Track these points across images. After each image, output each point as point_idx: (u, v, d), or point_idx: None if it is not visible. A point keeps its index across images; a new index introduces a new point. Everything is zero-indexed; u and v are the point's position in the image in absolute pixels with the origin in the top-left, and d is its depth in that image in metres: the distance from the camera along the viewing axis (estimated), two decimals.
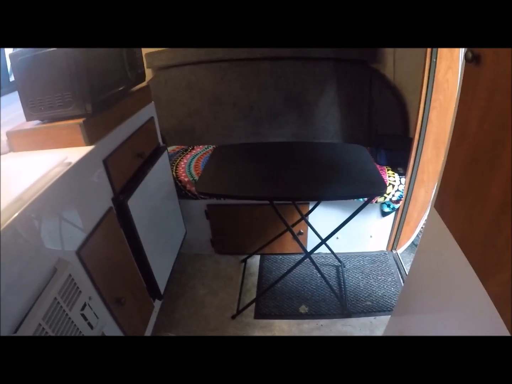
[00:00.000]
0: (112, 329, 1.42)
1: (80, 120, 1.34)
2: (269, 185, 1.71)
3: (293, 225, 2.41)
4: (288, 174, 1.78)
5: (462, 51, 1.76)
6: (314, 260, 2.04)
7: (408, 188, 2.28)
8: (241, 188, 1.72)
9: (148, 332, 1.77)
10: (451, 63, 1.88)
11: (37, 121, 1.41)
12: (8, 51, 1.77)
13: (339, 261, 2.54)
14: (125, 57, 1.67)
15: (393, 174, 2.32)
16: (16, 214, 0.91)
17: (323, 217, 2.43)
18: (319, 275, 2.35)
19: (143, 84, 1.92)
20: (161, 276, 1.91)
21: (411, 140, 2.19)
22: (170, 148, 2.74)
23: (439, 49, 1.88)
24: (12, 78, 1.77)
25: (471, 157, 0.91)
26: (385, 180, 2.22)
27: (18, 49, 1.92)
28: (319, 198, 2.07)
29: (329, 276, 2.43)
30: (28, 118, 1.39)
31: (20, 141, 1.37)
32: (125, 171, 1.63)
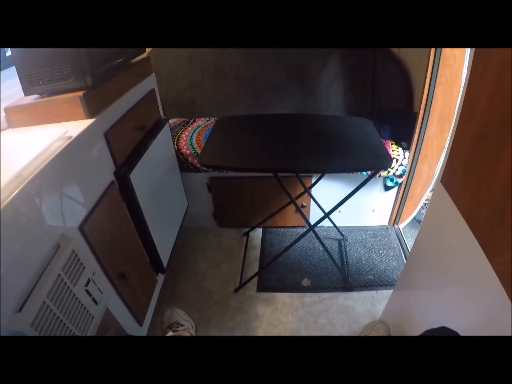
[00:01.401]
0: (116, 304, 1.43)
1: (80, 93, 1.31)
2: (273, 157, 1.69)
3: (296, 198, 2.40)
4: (292, 146, 1.76)
5: None
6: (317, 233, 2.04)
7: (412, 163, 2.27)
8: (244, 160, 1.70)
9: (151, 306, 1.78)
10: None
11: (36, 96, 1.38)
12: None
13: (342, 234, 2.54)
14: None
15: (397, 148, 2.30)
16: (16, 191, 0.90)
17: (326, 191, 2.42)
18: (321, 248, 2.36)
19: (144, 55, 1.88)
20: (164, 250, 1.91)
21: (415, 115, 2.16)
22: (171, 121, 2.71)
23: None
24: (8, 53, 1.72)
25: (480, 134, 0.89)
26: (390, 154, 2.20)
27: None
28: (323, 170, 2.06)
29: (332, 249, 2.44)
30: (27, 92, 1.36)
31: (18, 117, 1.34)
32: (126, 144, 1.61)
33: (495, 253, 0.81)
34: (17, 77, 1.32)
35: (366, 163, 1.66)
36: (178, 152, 2.33)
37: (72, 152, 1.18)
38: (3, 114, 1.33)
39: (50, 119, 1.35)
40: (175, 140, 2.41)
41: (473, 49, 0.95)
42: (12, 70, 1.35)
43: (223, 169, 2.27)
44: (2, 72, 1.64)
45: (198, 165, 2.32)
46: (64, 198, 1.14)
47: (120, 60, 1.61)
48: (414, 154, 2.23)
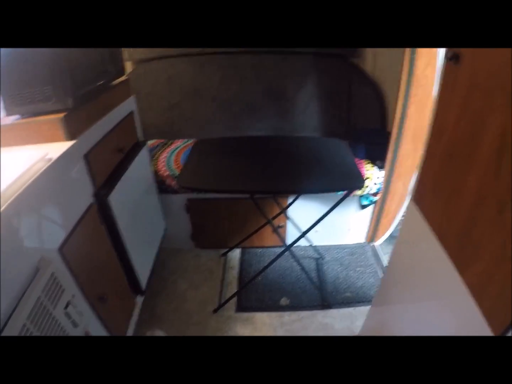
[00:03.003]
0: (96, 327, 1.42)
1: (61, 115, 1.33)
2: (250, 179, 1.72)
3: (273, 218, 2.43)
4: (268, 168, 1.80)
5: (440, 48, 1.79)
6: (294, 253, 2.06)
7: (386, 181, 2.32)
8: (222, 182, 1.73)
9: (131, 328, 1.77)
10: (430, 59, 1.91)
11: (17, 116, 1.39)
12: None
13: (319, 253, 2.57)
14: (105, 51, 1.66)
15: (372, 167, 2.35)
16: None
17: (302, 210, 2.46)
18: (299, 267, 2.38)
19: (123, 78, 1.91)
20: (143, 271, 1.91)
21: (389, 134, 2.22)
22: (149, 142, 2.72)
23: None
24: None
25: (448, 152, 0.94)
26: (363, 174, 2.25)
27: None
28: (298, 191, 2.10)
29: (309, 268, 2.46)
30: (8, 112, 1.37)
31: None
32: (105, 166, 1.63)
33: (465, 266, 0.85)
34: None
35: (340, 184, 1.71)
36: (156, 173, 2.34)
37: (51, 175, 1.18)
38: None
39: (31, 140, 1.35)
40: (153, 162, 2.42)
41: (442, 71, 1.00)
42: None
43: (201, 191, 2.28)
44: None
45: (176, 187, 2.33)
46: (44, 221, 1.14)
47: (101, 82, 1.63)
48: (388, 173, 2.29)
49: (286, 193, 2.33)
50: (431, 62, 1.91)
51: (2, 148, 1.33)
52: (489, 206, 0.76)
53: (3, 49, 1.27)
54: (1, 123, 1.36)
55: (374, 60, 2.73)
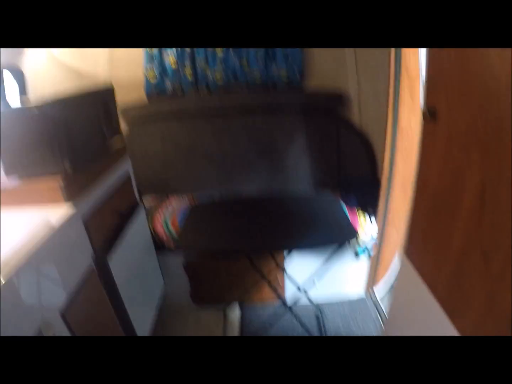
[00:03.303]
0: None
1: (60, 179, 1.38)
2: (245, 239, 1.79)
3: (270, 272, 2.44)
4: (262, 227, 1.88)
5: (422, 98, 1.86)
6: (294, 312, 2.06)
7: (380, 230, 2.35)
8: (218, 242, 1.79)
9: None
10: (413, 109, 1.99)
11: (16, 177, 1.44)
12: None
13: (319, 310, 2.55)
14: (101, 117, 1.73)
15: (364, 216, 2.39)
16: (2, 281, 0.93)
17: (298, 263, 2.46)
18: (301, 327, 2.36)
19: (120, 142, 1.97)
20: (142, 331, 1.89)
21: (380, 183, 2.27)
22: (145, 199, 2.75)
23: (401, 97, 1.99)
24: None
25: (433, 207, 0.98)
26: (356, 224, 2.29)
27: None
28: (292, 247, 2.13)
29: (310, 325, 2.42)
30: (7, 173, 1.41)
31: None
32: (104, 229, 1.66)
33: (456, 315, 0.87)
34: None
35: (332, 238, 1.77)
36: (154, 233, 2.36)
37: (53, 241, 1.21)
38: None
39: (30, 202, 1.39)
40: (150, 221, 2.45)
41: (421, 127, 1.06)
42: None
43: (198, 251, 2.30)
44: None
45: (174, 247, 2.36)
46: (44, 285, 1.16)
47: (98, 146, 1.69)
48: (381, 220, 2.32)
49: (280, 249, 2.35)
50: (414, 111, 1.99)
51: (2, 209, 1.37)
52: (475, 257, 0.79)
53: (3, 112, 1.33)
54: (1, 183, 1.40)
55: (360, 111, 2.84)
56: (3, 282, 0.93)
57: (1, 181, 1.42)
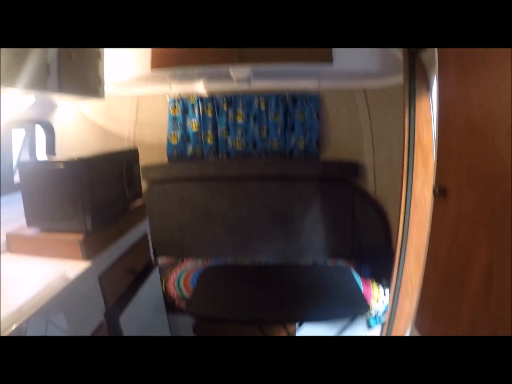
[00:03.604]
0: None
1: (80, 236, 1.42)
2: (256, 309, 1.79)
3: None
4: (275, 298, 1.89)
5: (435, 168, 1.90)
6: None
7: (393, 301, 2.31)
8: (229, 311, 1.80)
9: None
10: (426, 179, 2.02)
11: (37, 229, 1.49)
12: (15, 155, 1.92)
13: None
14: (124, 175, 1.78)
15: (378, 287, 2.36)
16: (14, 327, 0.96)
17: (310, 332, 2.42)
18: None
19: (140, 202, 2.02)
20: None
21: (394, 252, 2.26)
22: (160, 260, 2.77)
23: (415, 167, 2.03)
24: (16, 179, 1.86)
25: (443, 281, 1.00)
26: (369, 296, 2.26)
27: (26, 158, 2.05)
28: (304, 320, 2.11)
29: None
30: (29, 224, 1.47)
31: (19, 245, 1.44)
32: (117, 286, 1.68)
33: None
34: (21, 203, 1.45)
35: (343, 311, 1.75)
36: (166, 294, 2.36)
37: (67, 294, 1.24)
38: (3, 239, 1.42)
39: (48, 254, 1.43)
40: (163, 281, 2.45)
41: (432, 204, 1.09)
42: (17, 195, 1.47)
43: (210, 320, 2.28)
44: (8, 196, 1.78)
45: (184, 308, 2.35)
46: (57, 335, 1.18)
47: (119, 206, 1.75)
48: (394, 292, 2.29)
49: (291, 322, 2.32)
50: (427, 181, 2.02)
51: (20, 256, 1.42)
52: (483, 331, 0.80)
53: (32, 167, 1.40)
54: (22, 233, 1.45)
55: (375, 181, 2.88)
56: (14, 328, 0.95)
57: (22, 230, 1.47)
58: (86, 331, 1.38)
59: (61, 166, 1.41)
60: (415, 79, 1.94)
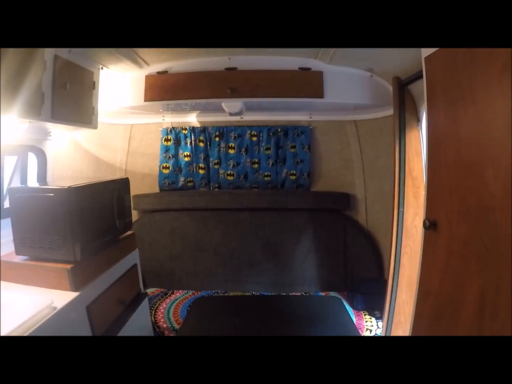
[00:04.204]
0: None
1: (68, 266, 1.40)
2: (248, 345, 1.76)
3: None
4: (265, 330, 1.86)
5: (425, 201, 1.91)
6: None
7: (386, 331, 2.29)
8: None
9: None
10: (417, 210, 2.04)
11: (26, 257, 1.47)
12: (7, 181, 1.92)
13: None
14: (115, 206, 1.77)
15: (370, 318, 2.35)
16: None
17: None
18: None
19: (130, 232, 2.01)
20: None
21: (386, 283, 2.26)
22: (149, 290, 2.74)
23: (406, 198, 2.05)
24: (6, 205, 1.83)
25: (435, 312, 0.99)
26: (362, 328, 2.25)
27: (17, 185, 2.04)
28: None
29: None
30: (18, 252, 1.45)
31: (7, 272, 1.42)
32: (106, 317, 1.64)
33: None
34: (10, 229, 1.43)
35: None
36: (155, 324, 2.32)
37: (54, 323, 1.22)
38: None
39: (36, 283, 1.41)
40: (153, 312, 2.42)
41: (422, 238, 1.09)
42: (7, 222, 1.46)
43: None
44: None
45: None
46: None
47: (109, 237, 1.73)
48: (387, 322, 2.27)
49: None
50: (418, 212, 2.03)
51: (8, 283, 1.40)
52: None
53: (22, 194, 1.39)
54: (10, 260, 1.44)
55: (367, 212, 2.89)
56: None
57: (9, 257, 1.46)
58: None
59: (52, 194, 1.41)
60: (404, 111, 1.97)
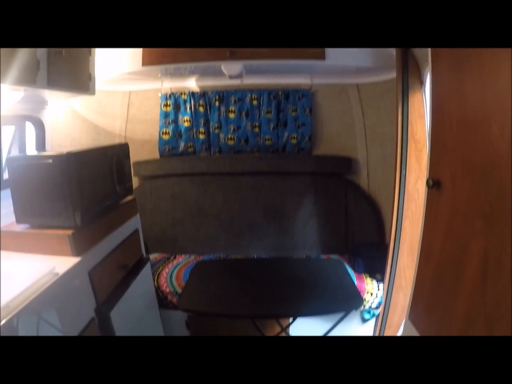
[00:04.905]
0: None
1: (69, 232, 1.40)
2: (250, 303, 1.77)
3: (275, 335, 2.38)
4: (268, 291, 1.87)
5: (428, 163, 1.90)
6: None
7: (387, 294, 2.31)
8: (222, 305, 1.79)
9: None
10: (419, 174, 2.02)
11: (27, 225, 1.47)
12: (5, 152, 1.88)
13: None
14: (115, 172, 1.76)
15: (372, 281, 2.36)
16: (2, 322, 0.94)
17: (304, 328, 2.41)
18: None
19: (130, 197, 2.00)
20: None
21: (387, 247, 2.26)
22: (152, 256, 2.76)
23: (408, 161, 2.03)
24: (5, 176, 1.81)
25: (437, 274, 0.99)
26: (363, 290, 2.26)
27: (15, 154, 2.02)
28: (298, 315, 2.10)
29: None
30: (18, 220, 1.45)
31: (8, 241, 1.42)
32: (108, 282, 1.66)
33: None
34: (10, 200, 1.43)
35: (337, 306, 1.75)
36: (158, 289, 2.34)
37: (56, 289, 1.22)
38: None
39: (38, 250, 1.42)
40: (155, 277, 2.44)
41: (425, 197, 1.08)
42: (7, 192, 1.45)
43: (202, 315, 2.27)
44: None
45: (176, 303, 2.33)
46: (45, 332, 1.17)
47: (109, 202, 1.72)
48: (388, 285, 2.29)
49: (285, 317, 2.31)
50: (421, 175, 2.02)
51: (11, 252, 1.40)
52: (479, 326, 0.79)
53: (21, 163, 1.38)
54: (11, 229, 1.44)
55: (368, 176, 2.88)
56: (3, 323, 0.93)
57: (11, 227, 1.46)
58: (77, 327, 1.36)
59: (50, 161, 1.39)
60: (408, 74, 1.93)
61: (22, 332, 1.05)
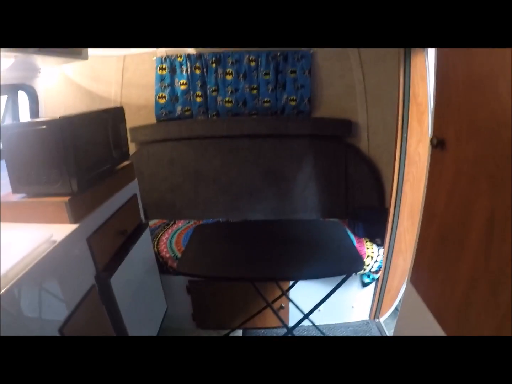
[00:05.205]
0: None
1: (66, 199, 1.38)
2: (250, 265, 1.77)
3: (275, 300, 2.39)
4: (268, 254, 1.85)
5: (430, 126, 1.87)
6: (297, 333, 2.02)
7: (387, 258, 2.32)
8: (222, 268, 1.78)
9: None
10: (421, 136, 1.99)
11: (23, 194, 1.45)
12: None
13: (322, 333, 2.51)
14: (110, 136, 1.72)
15: (371, 245, 2.37)
16: (2, 291, 0.93)
17: (304, 291, 2.43)
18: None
19: (127, 162, 1.97)
20: None
21: (387, 211, 2.25)
22: (151, 222, 2.76)
23: (410, 124, 2.00)
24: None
25: (440, 236, 0.97)
26: (363, 254, 2.26)
27: (9, 122, 1.99)
28: (299, 278, 2.11)
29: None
30: (14, 190, 1.43)
31: (5, 212, 1.39)
32: (108, 248, 1.65)
33: None
34: (5, 171, 1.40)
35: (339, 268, 1.75)
36: (158, 255, 2.35)
37: (55, 257, 1.21)
38: None
39: (35, 219, 1.40)
40: (155, 243, 2.44)
41: (429, 158, 1.05)
42: (2, 163, 1.42)
43: (201, 277, 2.28)
44: None
45: (176, 268, 2.34)
46: (46, 301, 1.16)
47: (106, 167, 1.69)
48: (388, 249, 2.30)
49: (286, 279, 2.32)
50: (422, 139, 1.99)
51: (8, 223, 1.37)
52: (483, 289, 0.78)
53: (15, 130, 1.34)
54: (8, 200, 1.41)
55: (369, 139, 2.84)
56: (2, 292, 0.93)
57: (8, 197, 1.43)
58: (77, 295, 1.35)
59: (44, 127, 1.35)
60: None
61: (23, 303, 1.04)
